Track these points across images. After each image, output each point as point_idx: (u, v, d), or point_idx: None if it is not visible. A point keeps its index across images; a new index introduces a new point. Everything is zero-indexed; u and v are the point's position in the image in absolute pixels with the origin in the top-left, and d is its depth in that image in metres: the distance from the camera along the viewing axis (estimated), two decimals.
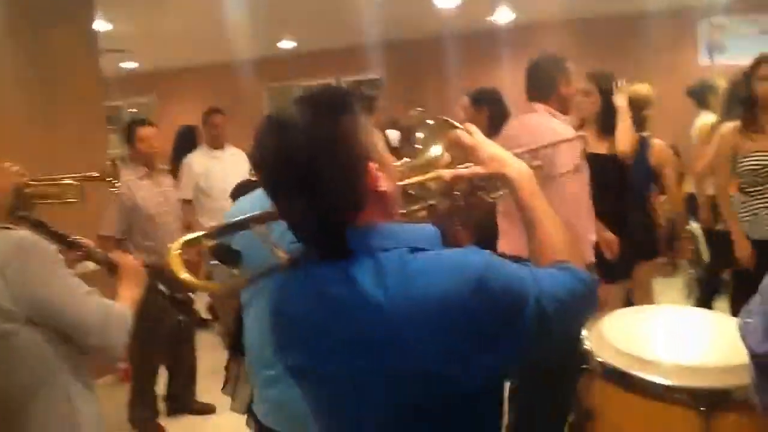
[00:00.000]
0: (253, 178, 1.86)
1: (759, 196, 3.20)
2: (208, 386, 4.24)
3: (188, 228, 4.07)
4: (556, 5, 7.01)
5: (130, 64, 9.41)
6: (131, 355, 3.42)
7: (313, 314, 1.06)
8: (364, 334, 0.99)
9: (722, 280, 4.31)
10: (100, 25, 5.43)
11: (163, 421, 3.93)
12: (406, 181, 1.20)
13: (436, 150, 1.30)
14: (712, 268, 4.32)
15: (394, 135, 4.44)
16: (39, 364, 1.68)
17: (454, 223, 1.31)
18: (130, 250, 3.46)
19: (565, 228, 1.20)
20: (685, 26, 7.64)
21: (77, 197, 2.43)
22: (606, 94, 3.43)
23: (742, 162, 3.23)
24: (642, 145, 3.60)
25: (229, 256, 1.17)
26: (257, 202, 1.50)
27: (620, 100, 3.41)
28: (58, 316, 1.67)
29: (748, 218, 3.25)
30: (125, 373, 4.22)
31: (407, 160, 1.30)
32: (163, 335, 3.69)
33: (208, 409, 4.06)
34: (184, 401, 4.08)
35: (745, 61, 3.35)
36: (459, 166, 1.24)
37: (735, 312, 3.01)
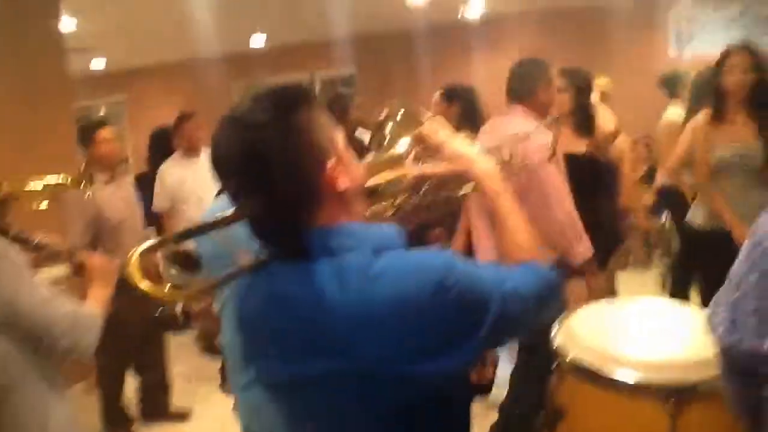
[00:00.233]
0: None
1: (725, 187, 3.23)
2: (184, 390, 4.21)
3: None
4: None
5: (99, 64, 9.26)
6: (97, 359, 3.35)
7: (274, 318, 1.05)
8: (325, 337, 0.98)
9: (693, 272, 4.36)
10: (65, 22, 5.32)
11: (139, 427, 3.87)
12: (371, 181, 1.19)
13: (403, 145, 1.29)
14: (683, 261, 4.37)
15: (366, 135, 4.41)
16: (8, 370, 1.65)
17: (430, 225, 1.31)
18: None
19: (531, 225, 1.20)
20: (653, 17, 7.70)
21: (47, 201, 2.39)
22: (580, 92, 3.44)
23: (711, 153, 3.25)
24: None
25: (187, 263, 1.14)
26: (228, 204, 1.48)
27: (594, 96, 3.43)
28: (26, 322, 1.64)
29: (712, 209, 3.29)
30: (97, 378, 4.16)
31: (373, 155, 1.29)
32: (130, 336, 3.59)
33: (183, 415, 3.99)
34: (158, 407, 3.99)
35: (712, 50, 3.38)
36: (425, 162, 1.24)
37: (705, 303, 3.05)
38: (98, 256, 2.03)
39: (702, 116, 3.35)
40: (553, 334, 1.83)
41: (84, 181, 2.65)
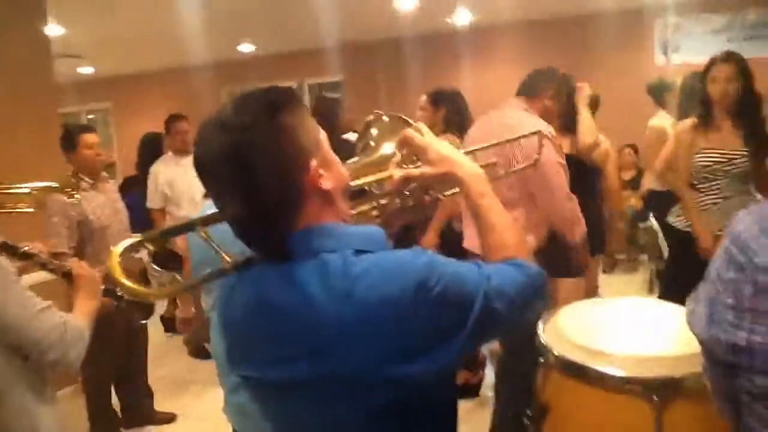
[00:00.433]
0: None
1: (709, 192, 3.28)
2: (171, 394, 4.19)
3: None
4: (514, 7, 7.06)
5: (86, 70, 9.24)
6: (84, 365, 3.32)
7: (257, 321, 1.04)
8: (307, 339, 0.98)
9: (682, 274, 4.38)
10: (53, 29, 5.30)
11: None
12: (356, 182, 1.19)
13: (388, 148, 1.30)
14: (672, 263, 4.39)
15: (353, 137, 4.43)
16: None
17: (413, 226, 1.32)
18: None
19: (517, 226, 1.20)
20: (641, 26, 7.77)
21: (34, 207, 2.38)
22: (564, 96, 3.46)
23: (695, 159, 3.29)
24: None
25: (170, 261, 1.14)
26: None
27: (580, 100, 3.46)
28: (14, 335, 1.65)
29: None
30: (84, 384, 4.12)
31: (357, 158, 1.29)
32: (118, 343, 3.57)
33: (168, 418, 3.98)
34: (142, 411, 3.97)
35: (697, 59, 3.43)
36: (410, 165, 1.24)
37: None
38: (85, 266, 2.02)
39: (688, 122, 3.40)
40: (539, 330, 1.83)
41: (72, 187, 2.64)
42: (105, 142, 3.78)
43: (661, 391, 1.54)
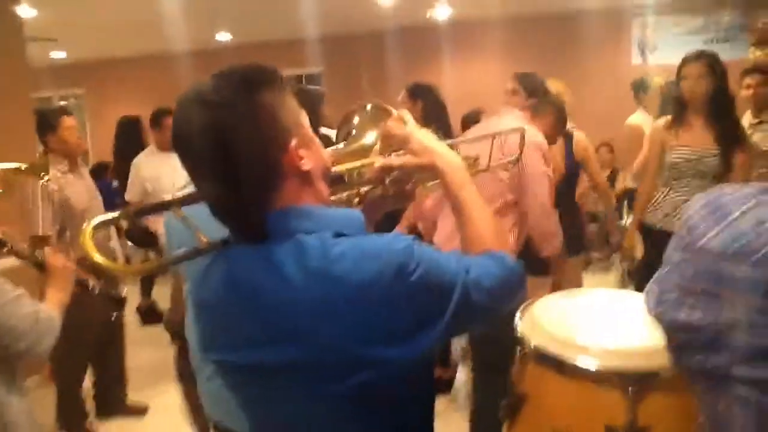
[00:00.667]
0: None
1: (680, 190, 3.30)
2: (143, 384, 4.15)
3: None
4: (493, 2, 7.09)
5: (59, 54, 9.08)
6: (56, 355, 3.29)
7: (230, 302, 1.02)
8: (282, 320, 0.97)
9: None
10: (25, 11, 5.19)
11: (94, 422, 3.79)
12: (337, 167, 1.18)
13: (370, 137, 1.29)
14: (647, 261, 4.44)
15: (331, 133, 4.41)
16: None
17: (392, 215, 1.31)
18: (65, 248, 3.30)
19: (495, 219, 1.20)
20: (619, 26, 7.85)
21: (3, 189, 2.34)
22: (532, 95, 3.49)
23: (667, 156, 3.32)
24: (566, 137, 3.67)
25: (144, 239, 1.12)
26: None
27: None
28: None
29: (667, 211, 3.35)
30: (51, 373, 4.07)
31: (341, 146, 1.29)
32: (91, 334, 3.54)
33: (140, 410, 3.94)
34: (114, 402, 3.93)
35: (673, 60, 3.46)
36: (392, 154, 1.24)
37: None
38: (59, 257, 2.00)
39: (661, 121, 3.43)
40: (515, 322, 1.84)
41: (44, 169, 2.60)
42: (78, 128, 3.73)
43: (636, 382, 1.55)
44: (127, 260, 5.60)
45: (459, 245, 1.17)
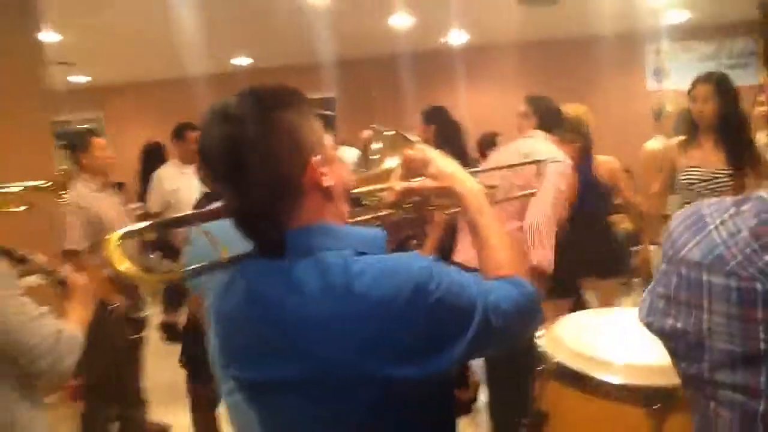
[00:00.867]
0: None
1: None
2: (166, 403, 4.12)
3: None
4: (509, 28, 7.13)
5: (78, 78, 9.21)
6: (79, 374, 3.29)
7: (252, 317, 1.03)
8: (301, 336, 0.97)
9: None
10: (48, 36, 5.29)
11: None
12: (358, 190, 1.20)
13: (390, 162, 1.31)
14: None
15: (351, 153, 4.47)
16: None
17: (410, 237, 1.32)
18: (97, 265, 3.33)
19: (514, 244, 1.21)
20: (632, 52, 7.86)
21: (26, 207, 2.38)
22: (544, 118, 3.50)
23: (680, 177, 3.32)
24: (585, 158, 3.67)
25: (168, 250, 1.14)
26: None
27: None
28: (10, 341, 1.63)
29: None
30: (72, 391, 4.07)
31: (363, 170, 1.30)
32: (113, 355, 3.53)
33: (162, 429, 3.94)
34: (135, 421, 3.88)
35: (686, 85, 3.47)
36: (412, 179, 1.25)
37: None
38: (81, 276, 2.02)
39: (673, 142, 3.44)
40: (537, 338, 1.82)
41: (61, 188, 2.64)
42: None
43: (661, 400, 1.52)
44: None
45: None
